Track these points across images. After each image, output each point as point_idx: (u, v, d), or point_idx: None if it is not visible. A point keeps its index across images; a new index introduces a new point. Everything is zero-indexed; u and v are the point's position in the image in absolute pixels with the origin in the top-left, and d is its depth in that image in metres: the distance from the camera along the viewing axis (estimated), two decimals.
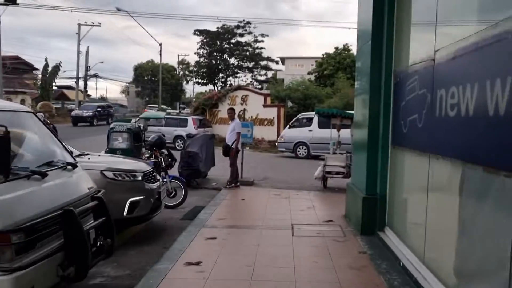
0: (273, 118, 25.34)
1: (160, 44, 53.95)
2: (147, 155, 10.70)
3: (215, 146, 13.90)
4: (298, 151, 20.58)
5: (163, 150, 9.93)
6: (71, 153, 4.93)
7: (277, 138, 23.08)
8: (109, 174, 6.43)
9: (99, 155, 7.63)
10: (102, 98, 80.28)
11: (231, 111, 11.90)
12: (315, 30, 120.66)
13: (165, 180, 9.14)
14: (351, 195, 7.62)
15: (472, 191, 3.53)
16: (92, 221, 4.38)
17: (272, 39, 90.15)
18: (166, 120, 24.56)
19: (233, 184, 11.21)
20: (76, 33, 50.39)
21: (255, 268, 5.16)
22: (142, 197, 6.59)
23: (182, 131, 23.15)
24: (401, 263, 5.07)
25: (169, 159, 9.56)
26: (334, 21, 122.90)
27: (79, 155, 7.04)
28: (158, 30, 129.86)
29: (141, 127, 13.25)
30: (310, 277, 4.92)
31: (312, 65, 51.76)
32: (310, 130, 20.21)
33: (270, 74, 59.67)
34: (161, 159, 9.43)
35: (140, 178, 6.75)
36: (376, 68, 6.50)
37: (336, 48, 43.83)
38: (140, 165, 7.27)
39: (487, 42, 3.27)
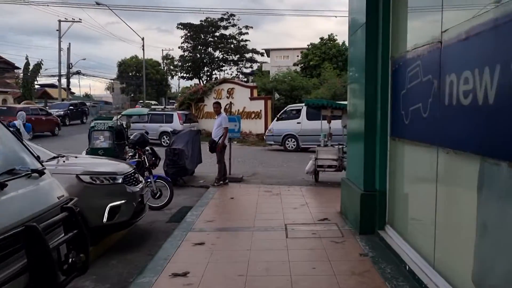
0: (260, 110, 24.85)
1: (143, 39, 53.09)
2: (130, 154, 10.19)
3: (202, 141, 13.37)
4: (287, 144, 20.14)
5: (147, 148, 9.41)
6: (38, 158, 4.39)
7: (265, 131, 22.63)
8: (86, 178, 5.89)
9: (76, 157, 7.08)
10: (87, 96, 79.23)
11: (217, 105, 11.37)
12: (299, 21, 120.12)
13: (149, 180, 8.64)
14: (347, 191, 7.18)
15: (494, 188, 3.08)
16: (63, 234, 3.86)
17: (256, 32, 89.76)
18: (151, 116, 23.95)
19: (221, 182, 10.72)
20: (57, 30, 49.49)
21: (248, 277, 4.69)
22: (123, 201, 6.07)
23: (167, 127, 22.62)
24: (407, 267, 4.64)
25: (153, 158, 9.03)
26: (318, 9, 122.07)
27: (54, 157, 6.53)
28: (141, 25, 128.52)
29: (124, 125, 12.71)
30: (309, 286, 4.47)
31: (298, 56, 51.45)
32: (299, 122, 19.77)
33: (255, 66, 59.04)
34: (144, 158, 8.90)
35: (120, 180, 6.23)
36: (372, 54, 6.03)
37: (322, 39, 43.49)
38: (121, 167, 6.74)
39: (510, 17, 2.81)
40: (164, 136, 22.63)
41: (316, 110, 12.05)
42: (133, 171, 6.77)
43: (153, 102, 60.00)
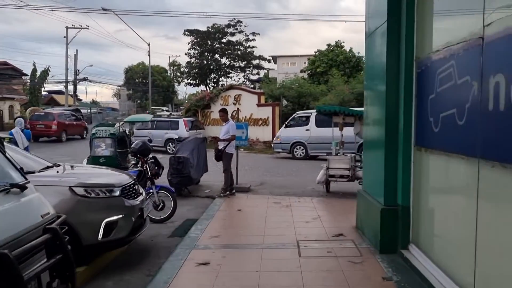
0: (268, 117, 24.30)
1: (149, 44, 52.70)
2: (133, 162, 9.72)
3: (208, 149, 12.83)
4: (296, 152, 19.56)
5: (150, 157, 8.90)
6: (21, 169, 3.89)
7: (273, 138, 22.09)
8: (80, 191, 5.37)
9: (72, 167, 6.57)
10: (94, 102, 79.19)
11: (223, 113, 10.72)
12: (305, 28, 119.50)
13: (151, 191, 8.14)
14: (364, 204, 6.61)
15: None
16: (45, 260, 3.34)
17: (263, 39, 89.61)
18: (157, 123, 23.50)
19: (227, 192, 10.18)
20: (64, 37, 49.55)
21: None
22: (120, 216, 5.55)
23: (173, 134, 22.12)
24: None
25: (156, 167, 8.52)
26: (325, 15, 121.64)
27: (47, 167, 6.03)
28: (149, 32, 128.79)
29: (127, 132, 12.25)
30: None
31: (305, 63, 51.00)
32: (308, 129, 19.21)
33: (262, 73, 58.66)
34: (146, 167, 8.39)
35: (118, 193, 5.70)
36: (393, 56, 5.50)
37: (329, 45, 43.01)
38: (119, 177, 6.22)
39: None
40: (170, 143, 22.14)
41: (327, 117, 11.49)
42: (132, 182, 6.25)
43: (164, 108, 59.39)
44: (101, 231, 5.35)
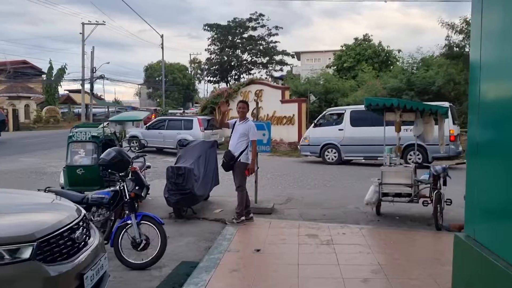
0: (293, 115, 21.49)
1: (162, 36, 50.06)
2: (121, 174, 7.03)
3: (219, 152, 10.01)
4: (327, 155, 16.67)
5: (138, 172, 6.18)
6: None
7: (299, 139, 19.28)
8: None
9: None
10: (116, 102, 78.11)
11: (244, 105, 7.84)
12: (328, 25, 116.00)
13: (129, 222, 5.50)
14: (480, 266, 3.70)
15: None
16: None
17: (285, 37, 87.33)
18: (168, 122, 20.99)
19: (242, 217, 7.41)
20: (80, 33, 48.08)
21: None
22: None
23: (186, 134, 19.54)
24: None
25: (136, 187, 5.81)
26: (348, 13, 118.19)
27: None
28: (172, 32, 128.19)
29: (116, 134, 9.63)
30: None
31: (330, 59, 48.43)
32: (341, 129, 16.32)
33: (285, 70, 56.03)
34: (123, 187, 5.73)
35: (28, 254, 3.03)
36: None
37: (356, 39, 40.33)
38: (46, 217, 3.54)
39: None
40: None
41: (377, 114, 8.64)
42: (72, 224, 3.57)
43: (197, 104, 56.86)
44: None
